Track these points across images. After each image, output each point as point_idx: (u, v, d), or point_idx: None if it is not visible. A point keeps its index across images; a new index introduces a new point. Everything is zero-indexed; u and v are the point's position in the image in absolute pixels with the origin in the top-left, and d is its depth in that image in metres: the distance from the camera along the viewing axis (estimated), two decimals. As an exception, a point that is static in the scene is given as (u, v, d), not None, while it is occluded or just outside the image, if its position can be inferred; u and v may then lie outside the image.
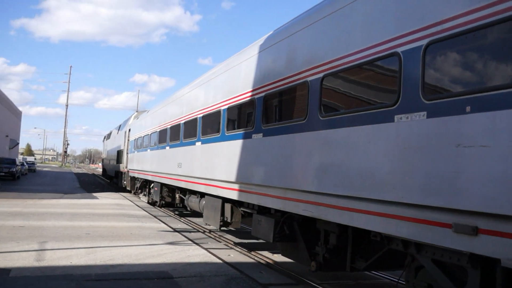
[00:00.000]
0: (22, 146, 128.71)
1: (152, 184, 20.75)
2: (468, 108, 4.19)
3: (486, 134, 3.99)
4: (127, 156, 27.95)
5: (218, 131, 10.84)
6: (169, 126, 16.40)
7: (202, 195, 13.17)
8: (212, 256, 9.66)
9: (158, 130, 18.43)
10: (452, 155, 4.31)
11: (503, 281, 4.27)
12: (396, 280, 7.09)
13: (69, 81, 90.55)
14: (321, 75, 6.61)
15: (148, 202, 21.95)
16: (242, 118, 9.73)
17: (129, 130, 27.90)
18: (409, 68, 4.99)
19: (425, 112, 4.69)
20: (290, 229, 7.98)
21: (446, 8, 4.59)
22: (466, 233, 4.16)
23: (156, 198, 19.56)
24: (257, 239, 10.88)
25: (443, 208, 4.41)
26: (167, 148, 16.50)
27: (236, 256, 10.26)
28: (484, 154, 4.00)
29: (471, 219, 4.13)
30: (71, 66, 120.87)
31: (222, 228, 11.72)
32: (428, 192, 4.57)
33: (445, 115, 4.44)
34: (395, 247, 5.57)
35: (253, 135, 8.72)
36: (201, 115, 12.39)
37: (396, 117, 5.08)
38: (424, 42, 4.80)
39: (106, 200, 23.02)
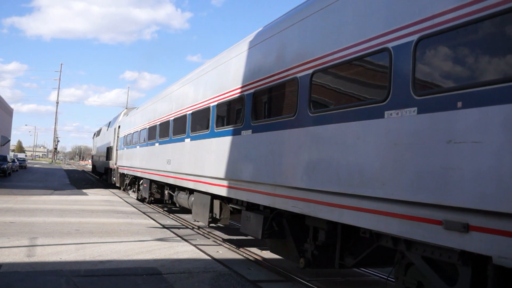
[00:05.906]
0: (13, 143, 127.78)
1: (142, 181, 20.61)
2: (459, 104, 4.14)
3: (478, 129, 3.94)
4: (116, 152, 27.77)
5: (207, 128, 10.74)
6: (159, 123, 16.26)
7: (191, 191, 13.10)
8: (200, 252, 9.58)
9: (148, 126, 18.28)
10: (443, 151, 4.26)
11: (494, 279, 4.22)
12: (386, 277, 7.07)
13: (59, 78, 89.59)
14: (310, 71, 6.54)
15: (137, 199, 21.79)
16: (231, 115, 9.64)
17: (119, 127, 27.71)
18: (399, 63, 4.93)
19: (415, 108, 4.64)
20: (279, 226, 7.93)
21: (437, 3, 4.53)
22: (457, 230, 4.11)
23: (145, 194, 19.44)
24: (246, 235, 10.80)
25: (433, 205, 4.36)
26: (157, 144, 16.37)
27: (224, 252, 10.19)
28: (475, 150, 3.95)
29: (462, 216, 4.08)
30: (61, 64, 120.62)
31: (211, 225, 11.66)
32: (418, 188, 4.52)
33: (436, 110, 4.38)
34: (384, 244, 5.53)
35: (242, 131, 8.64)
36: (191, 111, 12.28)
37: (386, 113, 5.02)
38: (414, 37, 4.74)
39: (96, 196, 22.82)
